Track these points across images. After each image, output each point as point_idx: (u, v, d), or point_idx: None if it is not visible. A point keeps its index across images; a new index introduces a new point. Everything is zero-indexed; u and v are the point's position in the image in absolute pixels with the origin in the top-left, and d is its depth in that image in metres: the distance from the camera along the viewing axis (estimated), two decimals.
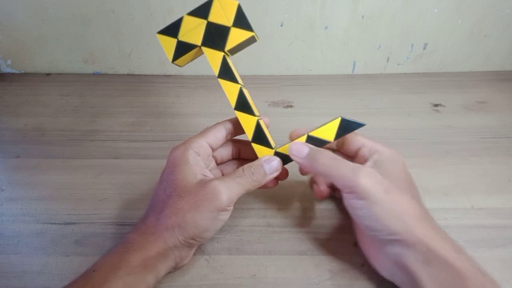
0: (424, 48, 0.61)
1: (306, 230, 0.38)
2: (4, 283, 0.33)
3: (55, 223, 0.38)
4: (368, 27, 0.58)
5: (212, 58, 0.34)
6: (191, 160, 0.32)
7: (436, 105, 0.56)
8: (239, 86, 0.34)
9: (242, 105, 0.34)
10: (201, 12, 0.34)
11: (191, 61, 0.36)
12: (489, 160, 0.46)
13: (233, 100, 0.34)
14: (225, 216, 0.31)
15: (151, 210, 0.32)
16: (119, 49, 0.61)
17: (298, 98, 0.57)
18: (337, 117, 0.33)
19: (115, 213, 0.39)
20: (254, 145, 0.35)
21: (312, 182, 0.38)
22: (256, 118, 0.34)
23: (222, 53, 0.34)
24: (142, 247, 0.29)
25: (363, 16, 0.57)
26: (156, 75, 0.63)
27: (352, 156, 0.35)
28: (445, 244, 0.28)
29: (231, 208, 0.32)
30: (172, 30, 0.35)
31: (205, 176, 0.32)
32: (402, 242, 0.28)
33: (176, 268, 0.33)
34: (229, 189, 0.31)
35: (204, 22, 0.34)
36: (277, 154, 0.35)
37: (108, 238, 0.37)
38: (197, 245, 0.32)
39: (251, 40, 0.34)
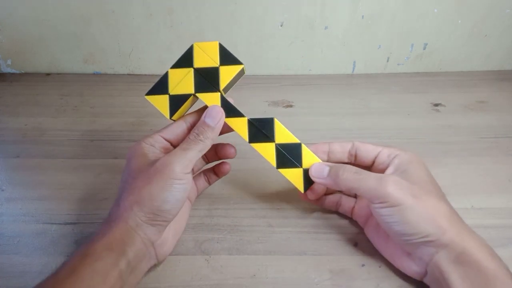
0: (424, 48, 0.61)
1: (306, 230, 0.38)
2: (4, 283, 0.33)
3: (55, 223, 0.38)
4: (368, 27, 0.58)
5: (210, 101, 0.34)
6: (145, 150, 0.33)
7: (436, 105, 0.56)
8: (246, 118, 0.34)
9: (255, 136, 0.34)
10: (185, 62, 0.34)
11: (187, 110, 0.36)
12: (489, 160, 0.46)
13: (244, 134, 0.34)
14: (182, 184, 0.31)
15: (113, 203, 0.32)
16: (119, 49, 0.61)
17: (298, 98, 0.57)
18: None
19: None
20: (281, 171, 0.35)
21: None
22: (274, 143, 0.34)
23: (219, 93, 0.34)
24: (105, 234, 0.29)
25: (363, 16, 0.57)
26: (156, 75, 0.62)
27: (368, 166, 0.35)
28: (479, 245, 0.28)
29: (189, 176, 0.31)
30: (160, 87, 0.35)
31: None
32: (435, 243, 0.29)
33: (158, 261, 0.32)
34: (179, 157, 0.31)
35: (191, 70, 0.34)
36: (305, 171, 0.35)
37: None
38: (163, 223, 0.31)
39: (241, 73, 0.35)
